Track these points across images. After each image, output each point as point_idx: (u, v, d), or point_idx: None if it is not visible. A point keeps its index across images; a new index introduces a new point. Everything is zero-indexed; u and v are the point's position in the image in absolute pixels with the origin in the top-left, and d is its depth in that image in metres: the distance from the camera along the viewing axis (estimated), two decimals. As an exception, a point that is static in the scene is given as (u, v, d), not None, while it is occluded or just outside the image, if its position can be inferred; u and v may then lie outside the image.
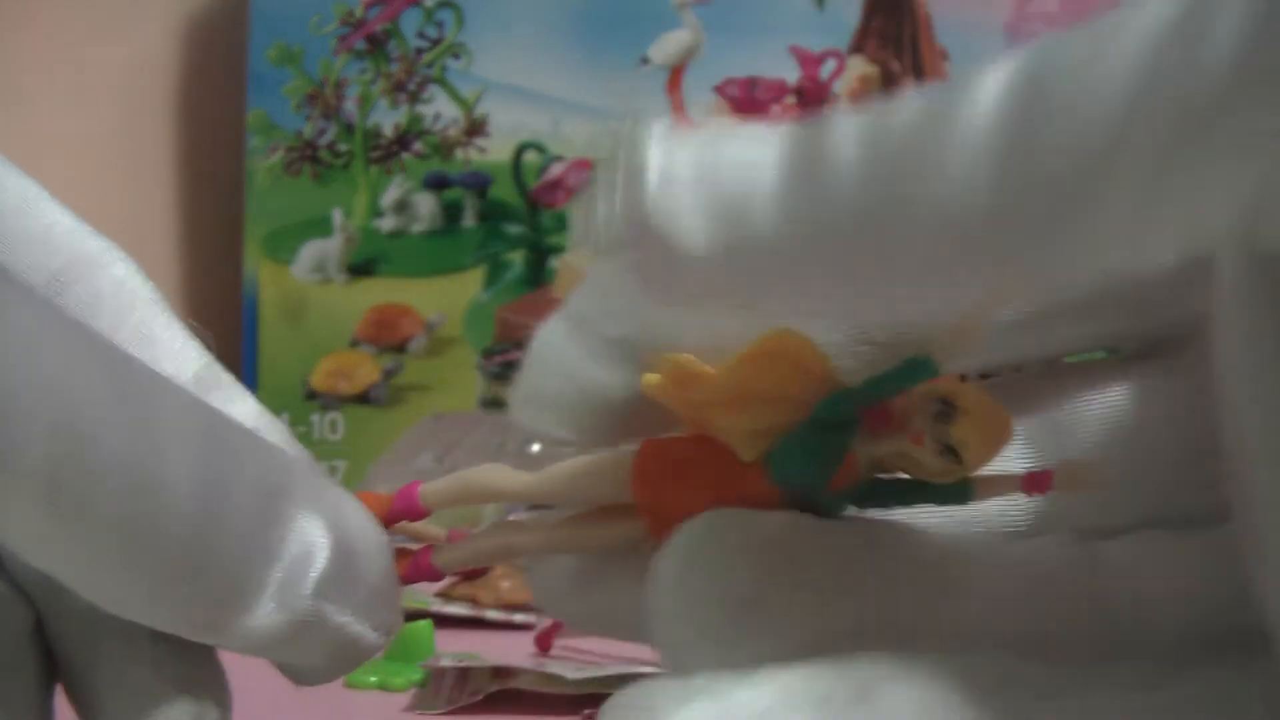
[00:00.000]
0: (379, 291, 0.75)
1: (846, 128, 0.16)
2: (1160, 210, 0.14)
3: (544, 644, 0.37)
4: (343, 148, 0.74)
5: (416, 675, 0.34)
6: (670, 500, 0.20)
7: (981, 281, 0.15)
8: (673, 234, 0.16)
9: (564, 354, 0.20)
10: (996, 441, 0.19)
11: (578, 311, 0.20)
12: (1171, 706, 0.17)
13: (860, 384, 0.19)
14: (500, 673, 0.33)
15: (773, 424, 0.19)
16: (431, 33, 0.75)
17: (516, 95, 0.75)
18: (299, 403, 0.74)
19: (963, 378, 0.20)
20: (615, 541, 0.20)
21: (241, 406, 0.23)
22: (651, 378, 0.19)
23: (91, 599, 0.19)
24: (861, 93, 0.75)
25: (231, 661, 0.37)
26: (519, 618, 0.42)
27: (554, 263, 0.75)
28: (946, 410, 0.19)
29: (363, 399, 0.74)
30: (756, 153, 0.16)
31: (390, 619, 0.22)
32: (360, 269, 0.74)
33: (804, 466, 0.19)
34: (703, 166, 0.17)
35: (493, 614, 0.42)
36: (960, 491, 0.19)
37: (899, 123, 0.16)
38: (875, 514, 0.20)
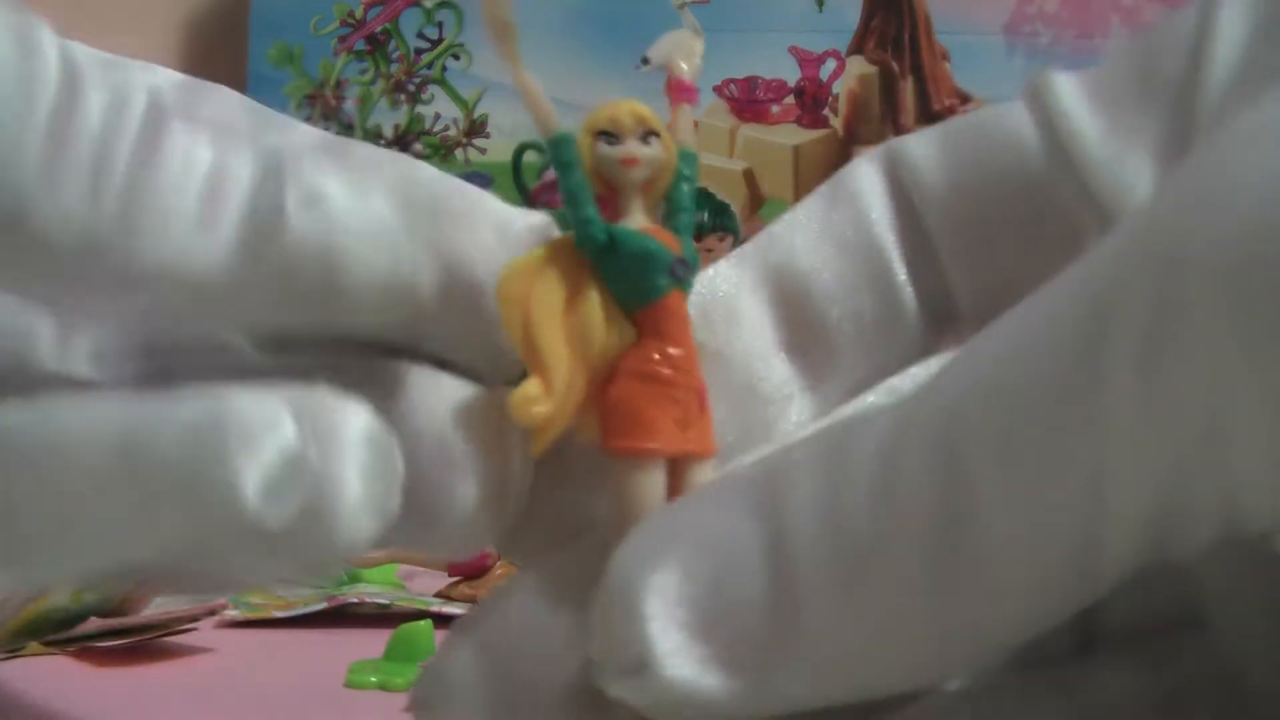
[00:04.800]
0: (379, 291, 0.75)
1: (805, 506, 0.17)
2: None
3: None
4: (343, 148, 0.74)
5: (416, 675, 0.34)
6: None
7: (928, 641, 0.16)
8: (691, 696, 0.17)
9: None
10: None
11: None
12: None
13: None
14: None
15: (583, 307, 0.20)
16: (431, 33, 0.75)
17: (516, 95, 0.75)
18: (299, 403, 0.73)
19: None
20: None
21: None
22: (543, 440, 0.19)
23: None
24: (861, 93, 0.75)
25: (235, 665, 0.37)
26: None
27: (554, 263, 0.75)
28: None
29: (363, 399, 0.74)
30: (739, 577, 0.17)
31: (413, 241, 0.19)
32: (360, 269, 0.74)
33: (641, 274, 0.20)
34: (703, 615, 0.17)
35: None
36: (689, 157, 0.21)
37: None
38: None
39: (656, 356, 0.19)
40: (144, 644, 0.37)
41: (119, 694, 0.33)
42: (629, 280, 0.20)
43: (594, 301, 0.19)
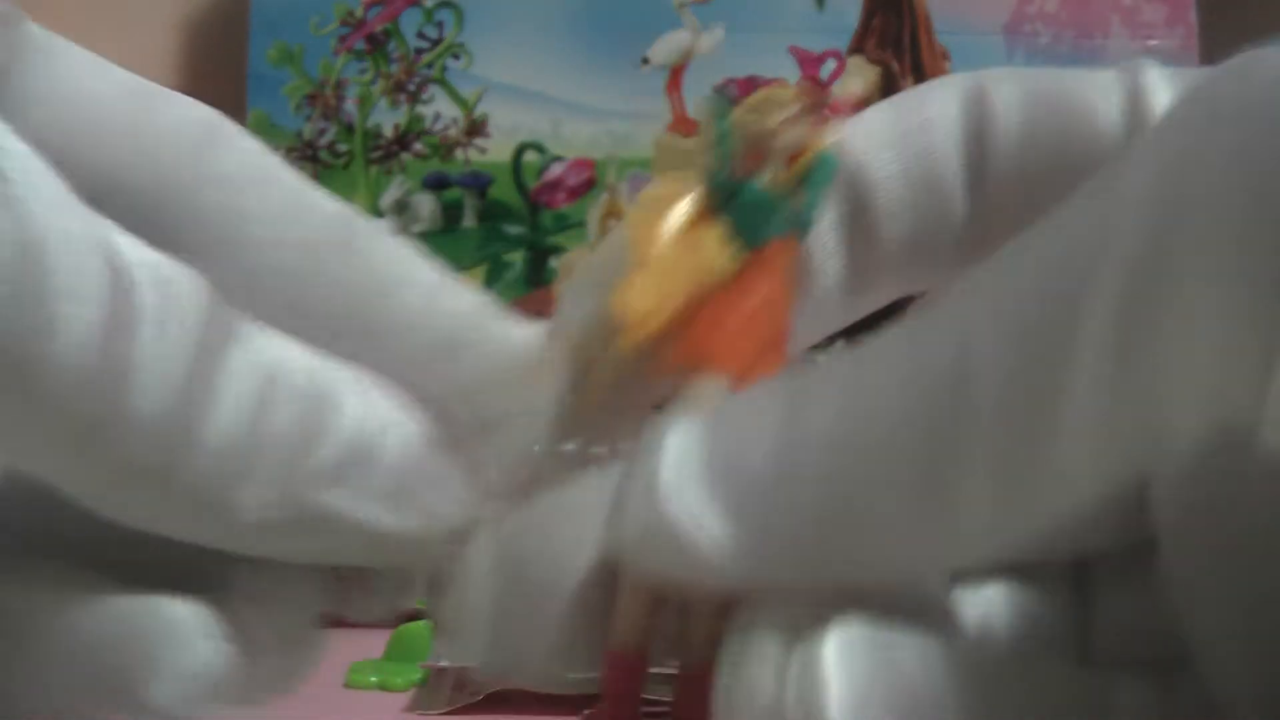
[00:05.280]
0: (379, 291, 0.74)
1: (822, 414, 0.18)
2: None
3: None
4: (343, 148, 0.74)
5: (416, 675, 0.34)
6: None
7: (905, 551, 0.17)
8: (689, 536, 0.18)
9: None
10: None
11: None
12: None
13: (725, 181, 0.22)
14: (500, 673, 0.33)
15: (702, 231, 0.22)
16: (431, 33, 0.75)
17: (516, 95, 0.75)
18: (299, 403, 0.73)
19: None
20: None
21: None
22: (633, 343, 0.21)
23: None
24: (861, 93, 0.75)
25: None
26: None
27: (554, 263, 0.75)
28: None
29: (363, 399, 0.74)
30: (754, 441, 0.18)
31: (419, 501, 0.21)
32: (360, 269, 0.74)
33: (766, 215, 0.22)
34: (712, 463, 0.18)
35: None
36: (830, 161, 0.23)
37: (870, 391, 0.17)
38: None
39: (749, 290, 0.21)
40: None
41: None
42: (744, 223, 0.22)
43: (711, 230, 0.22)
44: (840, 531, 0.17)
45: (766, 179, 0.22)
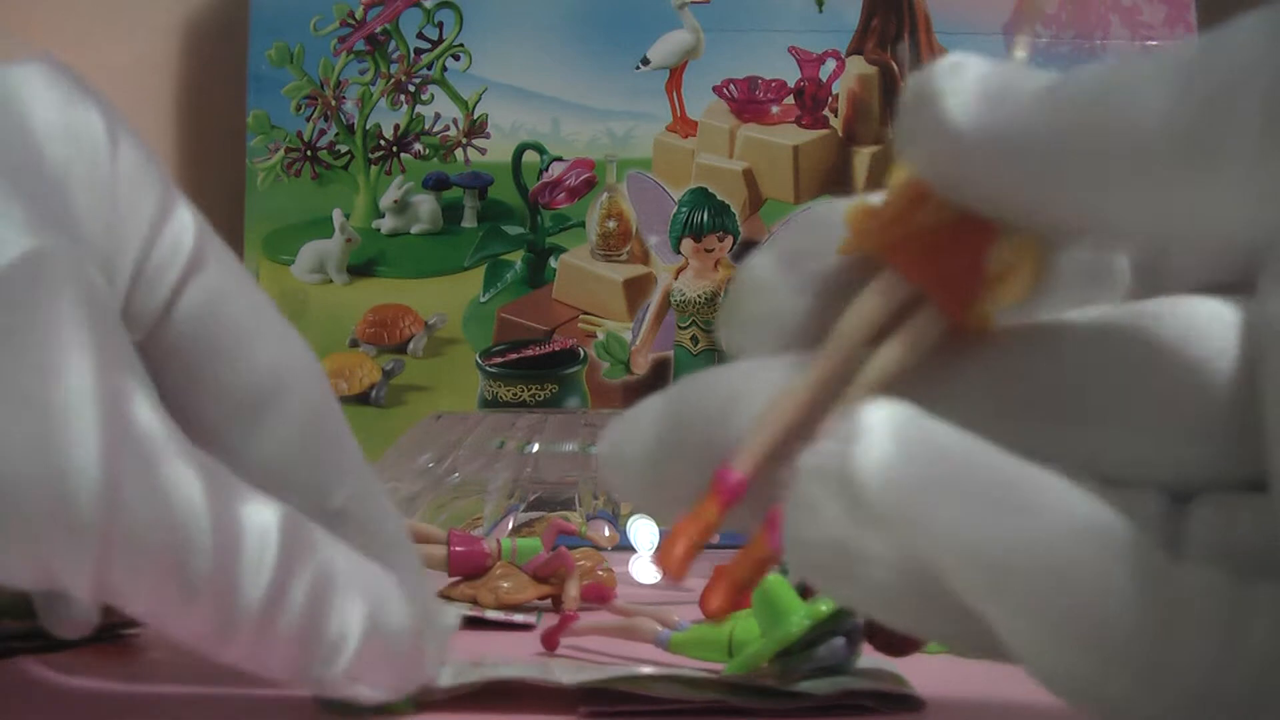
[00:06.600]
0: (379, 291, 0.75)
1: (1105, 63, 0.19)
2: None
3: (550, 643, 0.37)
4: (343, 148, 0.74)
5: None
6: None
7: (1151, 199, 0.18)
8: (946, 105, 0.19)
9: (770, 283, 0.22)
10: None
11: (787, 247, 0.22)
12: None
13: None
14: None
15: None
16: (431, 33, 0.75)
17: (516, 95, 0.75)
18: (299, 403, 0.73)
19: None
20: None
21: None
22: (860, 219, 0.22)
23: None
24: (861, 93, 0.75)
25: (232, 665, 0.37)
26: (519, 618, 0.42)
27: (554, 263, 0.75)
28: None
29: (363, 399, 0.74)
30: (1027, 77, 0.19)
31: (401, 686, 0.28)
32: (360, 269, 0.75)
33: None
34: (992, 66, 0.20)
35: (492, 614, 0.42)
36: None
37: (1135, 56, 0.18)
38: None
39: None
40: (142, 643, 0.37)
41: (116, 694, 0.33)
42: None
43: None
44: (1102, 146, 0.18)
45: None
